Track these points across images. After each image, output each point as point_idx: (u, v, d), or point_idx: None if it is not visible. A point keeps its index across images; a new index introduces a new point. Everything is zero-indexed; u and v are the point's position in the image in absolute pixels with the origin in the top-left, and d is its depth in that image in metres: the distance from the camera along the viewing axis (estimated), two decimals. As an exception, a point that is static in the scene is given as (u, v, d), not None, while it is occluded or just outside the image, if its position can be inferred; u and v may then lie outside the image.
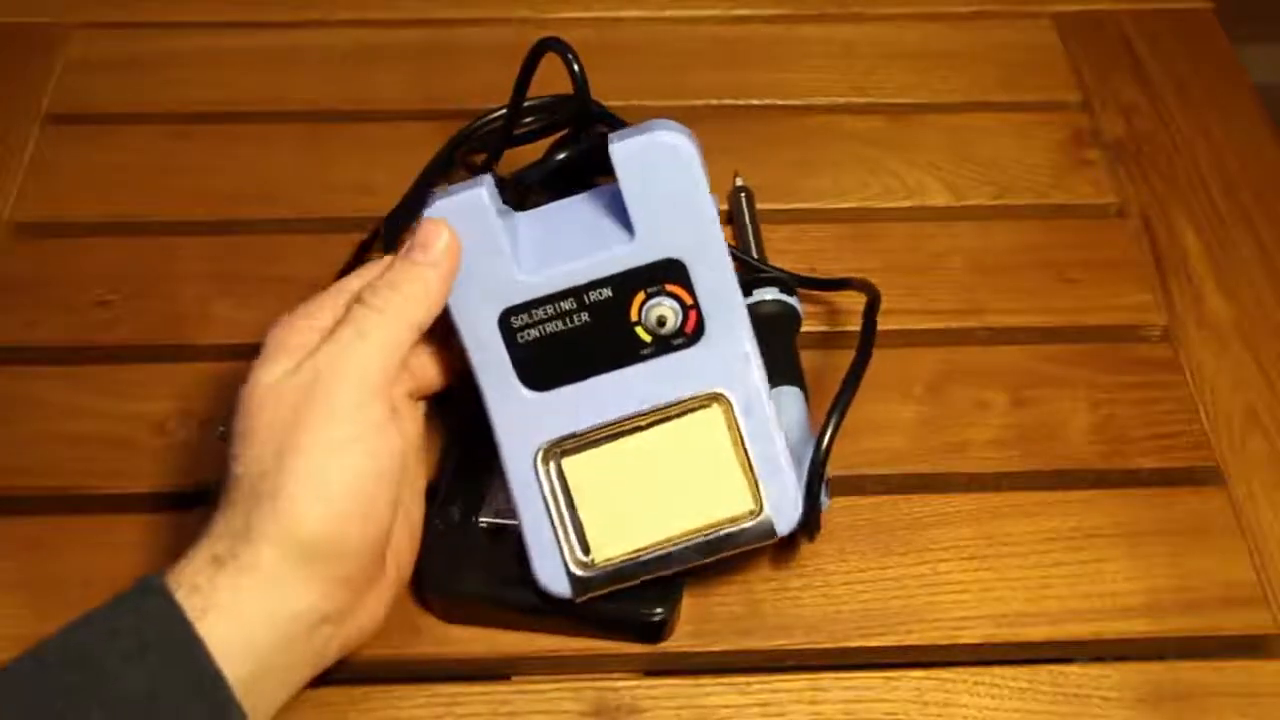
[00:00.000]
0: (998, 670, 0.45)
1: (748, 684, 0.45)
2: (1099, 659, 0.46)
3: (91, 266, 0.57)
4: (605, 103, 0.56)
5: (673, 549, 0.44)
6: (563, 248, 0.44)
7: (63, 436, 0.51)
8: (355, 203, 0.60)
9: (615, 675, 0.45)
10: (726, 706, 0.44)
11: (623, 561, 0.44)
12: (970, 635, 0.46)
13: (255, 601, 0.39)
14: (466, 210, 0.43)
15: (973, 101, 0.66)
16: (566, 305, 0.43)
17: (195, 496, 0.49)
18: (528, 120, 0.56)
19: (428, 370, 0.45)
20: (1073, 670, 0.45)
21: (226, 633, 0.38)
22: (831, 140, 0.64)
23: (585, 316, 0.43)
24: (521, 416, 0.44)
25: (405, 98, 0.65)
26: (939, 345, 0.55)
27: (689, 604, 0.46)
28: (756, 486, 0.43)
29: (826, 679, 0.45)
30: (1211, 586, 0.48)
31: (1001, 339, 0.55)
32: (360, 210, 0.58)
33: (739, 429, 0.43)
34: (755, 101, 0.66)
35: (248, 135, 0.63)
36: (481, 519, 0.46)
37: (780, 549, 0.48)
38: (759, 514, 0.43)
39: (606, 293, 0.43)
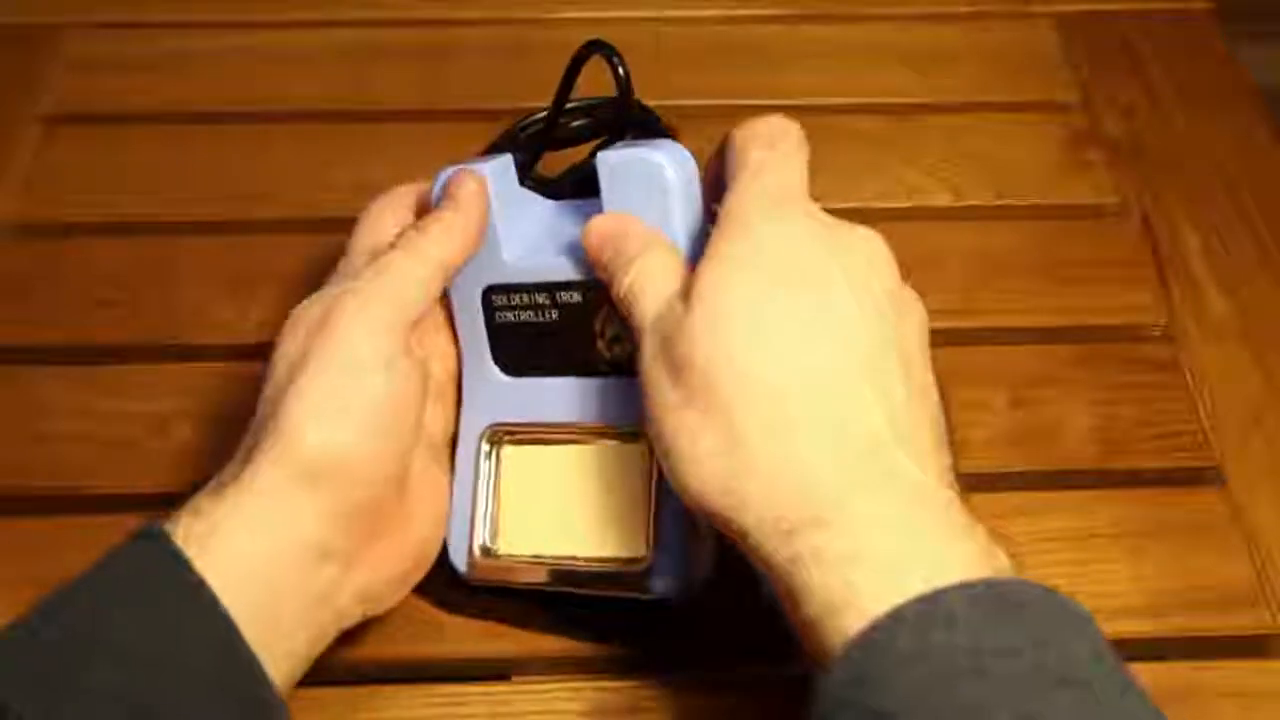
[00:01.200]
0: (998, 670, 0.45)
1: (747, 683, 0.45)
2: (1099, 659, 0.46)
3: (92, 266, 0.57)
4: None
5: (564, 567, 0.43)
6: (557, 242, 0.44)
7: (63, 436, 0.51)
8: (355, 202, 0.59)
9: (615, 675, 0.45)
10: (725, 704, 0.44)
11: (521, 561, 0.44)
12: (970, 635, 0.46)
13: (255, 522, 0.38)
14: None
15: (973, 101, 0.66)
16: (541, 299, 0.44)
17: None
18: (576, 123, 0.56)
19: None
20: (1073, 670, 0.45)
21: (228, 565, 0.37)
22: (831, 140, 0.64)
23: (555, 315, 0.44)
24: (485, 393, 0.45)
25: (405, 98, 0.65)
26: (939, 345, 0.55)
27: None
28: (653, 537, 0.42)
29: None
30: (1211, 586, 0.48)
31: (1001, 339, 0.55)
32: (360, 210, 0.58)
33: (654, 477, 0.42)
34: (755, 102, 0.65)
35: (248, 135, 0.63)
36: None
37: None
38: (643, 564, 0.42)
39: (576, 297, 0.43)
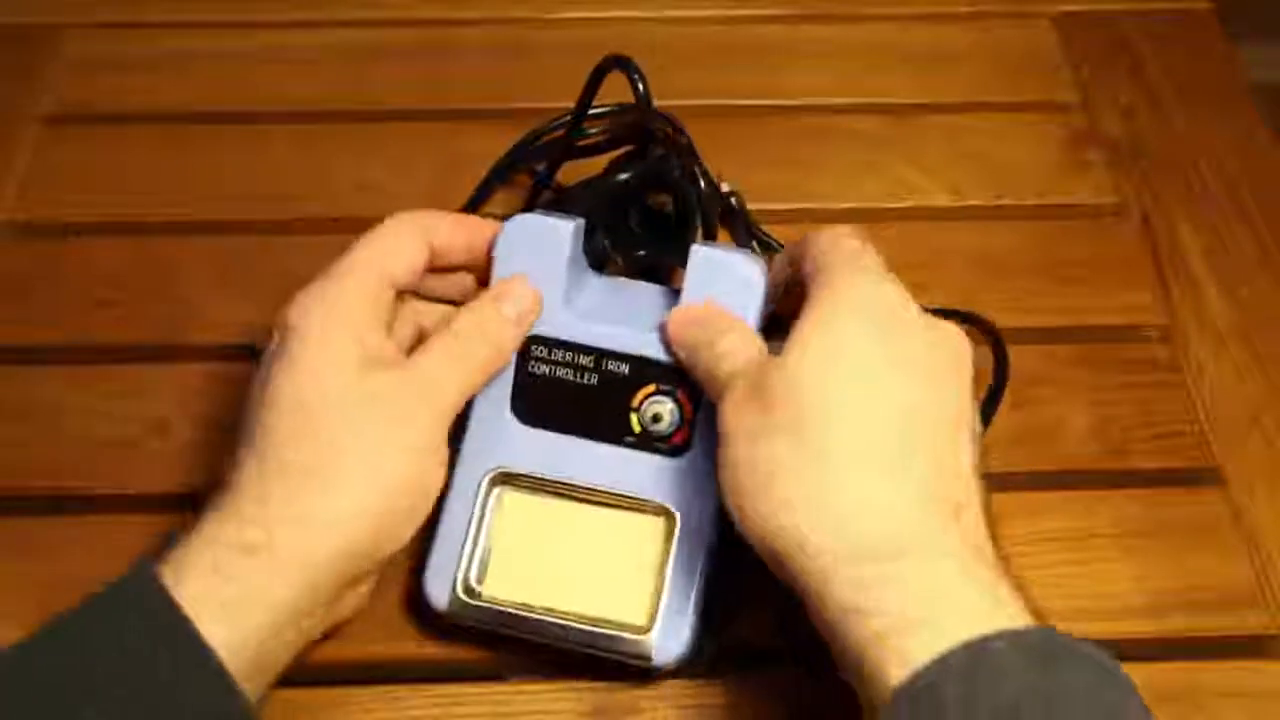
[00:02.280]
0: (998, 670, 0.45)
1: (743, 681, 0.45)
2: (1099, 659, 0.46)
3: (92, 266, 0.57)
4: (604, 104, 0.56)
5: (554, 620, 0.43)
6: (611, 311, 0.46)
7: (63, 436, 0.51)
8: (355, 202, 0.60)
9: (614, 676, 0.45)
10: (724, 705, 0.44)
11: (505, 607, 0.44)
12: (970, 635, 0.46)
13: (278, 601, 0.39)
14: (549, 233, 0.45)
15: (973, 101, 0.66)
16: (584, 361, 0.45)
17: (195, 497, 0.49)
18: (592, 131, 0.56)
19: None
20: (1073, 670, 0.45)
21: (238, 631, 0.38)
22: (831, 140, 0.64)
23: (594, 379, 0.45)
24: (494, 436, 0.45)
25: (405, 98, 0.65)
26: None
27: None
28: (656, 610, 0.43)
29: (829, 677, 0.45)
30: (1211, 586, 0.48)
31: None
32: (360, 210, 0.58)
33: (669, 551, 0.43)
34: (754, 102, 0.66)
35: (248, 135, 0.63)
36: None
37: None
38: (644, 635, 0.43)
39: (623, 369, 0.44)
